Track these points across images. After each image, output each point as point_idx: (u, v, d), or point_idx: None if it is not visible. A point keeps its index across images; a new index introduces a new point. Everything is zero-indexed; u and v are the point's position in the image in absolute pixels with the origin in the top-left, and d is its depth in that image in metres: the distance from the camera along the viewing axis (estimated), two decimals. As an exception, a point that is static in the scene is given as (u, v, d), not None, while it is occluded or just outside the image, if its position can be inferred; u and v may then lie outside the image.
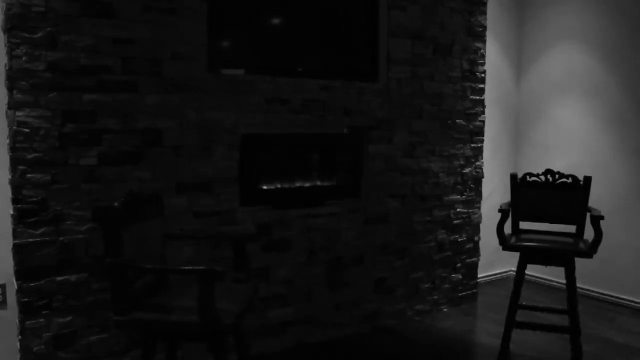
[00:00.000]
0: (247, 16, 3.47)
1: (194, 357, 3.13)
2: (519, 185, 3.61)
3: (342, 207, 3.81)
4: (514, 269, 3.62)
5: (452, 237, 4.42)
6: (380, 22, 3.94)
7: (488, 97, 4.64)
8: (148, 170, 3.06)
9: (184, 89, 3.14)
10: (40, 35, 2.72)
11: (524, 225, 3.64)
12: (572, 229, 3.55)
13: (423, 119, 4.15)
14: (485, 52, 4.53)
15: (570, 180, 3.51)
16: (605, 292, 4.68)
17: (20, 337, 2.77)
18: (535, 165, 4.92)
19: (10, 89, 2.68)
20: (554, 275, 4.86)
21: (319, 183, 3.85)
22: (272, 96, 3.46)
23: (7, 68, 2.69)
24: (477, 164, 4.54)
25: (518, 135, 5.34)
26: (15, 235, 2.72)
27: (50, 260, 2.80)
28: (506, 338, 3.45)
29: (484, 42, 4.50)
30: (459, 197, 4.43)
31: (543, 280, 5.09)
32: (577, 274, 3.38)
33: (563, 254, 3.32)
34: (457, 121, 4.36)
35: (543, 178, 3.58)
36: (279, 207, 3.56)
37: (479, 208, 4.59)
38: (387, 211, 4.01)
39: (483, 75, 4.52)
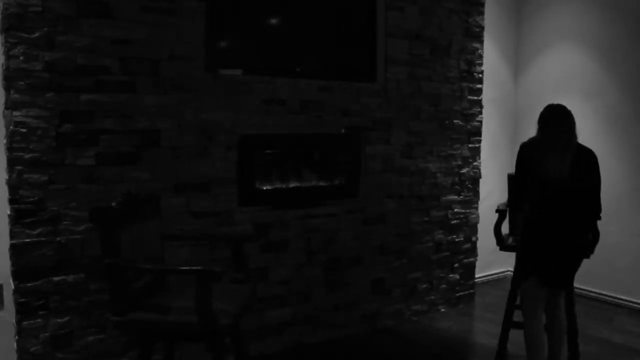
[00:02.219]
0: (245, 16, 3.47)
1: (191, 358, 3.13)
2: (517, 185, 3.60)
3: (340, 207, 3.81)
4: (511, 269, 3.63)
5: (450, 237, 4.43)
6: (378, 22, 3.94)
7: (485, 97, 4.65)
8: (146, 170, 3.05)
9: (182, 89, 3.14)
10: (37, 35, 2.71)
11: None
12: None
13: (420, 119, 4.15)
14: (483, 52, 4.53)
15: (567, 181, 3.50)
16: (602, 292, 4.69)
17: (17, 337, 2.77)
18: (533, 165, 4.92)
19: (7, 89, 2.68)
20: (551, 275, 4.86)
21: (317, 183, 3.85)
22: (270, 96, 3.46)
23: (4, 68, 2.68)
24: (475, 164, 4.54)
25: (515, 135, 5.35)
26: (12, 235, 2.71)
27: (47, 260, 2.79)
28: (503, 338, 3.45)
29: (482, 42, 4.51)
30: (456, 197, 4.43)
31: (540, 280, 5.09)
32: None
33: (560, 254, 3.32)
34: (455, 121, 4.37)
35: (540, 178, 3.57)
36: (277, 208, 3.56)
37: (476, 208, 4.60)
38: (384, 211, 4.01)
39: (480, 75, 4.52)
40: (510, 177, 3.61)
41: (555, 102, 3.25)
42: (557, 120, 3.07)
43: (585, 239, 3.03)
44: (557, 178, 2.92)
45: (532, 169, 3.00)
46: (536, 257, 2.99)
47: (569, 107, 3.17)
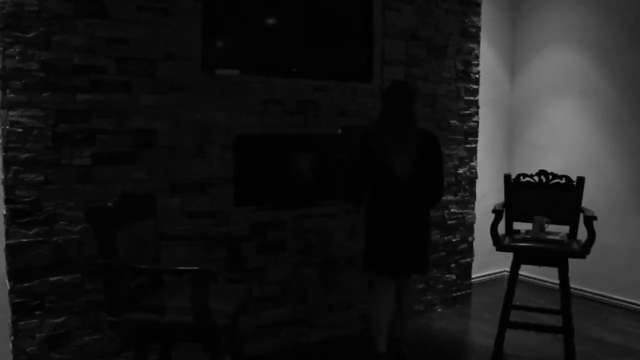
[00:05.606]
0: (241, 16, 3.47)
1: (187, 358, 3.13)
2: (513, 185, 3.62)
3: (336, 207, 3.81)
4: (508, 269, 3.63)
5: (446, 238, 4.43)
6: (374, 22, 3.95)
7: (482, 98, 4.65)
8: (142, 170, 3.05)
9: (178, 89, 3.14)
10: (33, 34, 2.71)
11: (517, 226, 3.65)
12: (565, 229, 3.56)
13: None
14: (479, 53, 4.54)
15: (563, 181, 3.52)
16: (598, 292, 4.70)
17: (12, 337, 2.76)
18: (529, 165, 4.94)
19: (3, 89, 2.67)
20: (548, 275, 4.88)
21: (313, 183, 3.84)
22: (267, 96, 3.45)
23: None
24: (471, 164, 4.55)
25: (512, 135, 5.36)
26: (8, 235, 2.70)
27: (43, 260, 2.79)
28: (499, 338, 3.46)
29: (478, 42, 4.51)
30: (452, 197, 4.44)
31: (536, 281, 5.11)
32: (571, 274, 3.40)
33: (556, 255, 3.33)
34: (451, 122, 4.37)
35: (536, 178, 3.59)
36: (273, 208, 3.56)
37: (473, 208, 4.60)
38: (381, 211, 4.01)
39: (477, 75, 4.53)
40: (507, 178, 3.62)
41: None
42: (400, 105, 3.06)
43: (426, 226, 3.16)
44: (402, 174, 2.99)
45: (377, 161, 3.04)
46: (381, 254, 3.10)
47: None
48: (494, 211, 3.50)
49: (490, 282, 5.18)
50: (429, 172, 3.05)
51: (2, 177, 2.72)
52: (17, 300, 2.74)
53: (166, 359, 2.74)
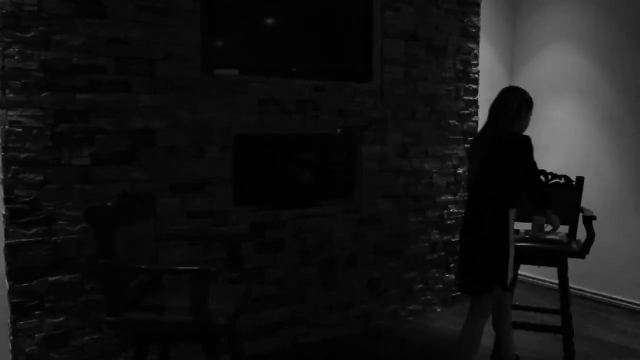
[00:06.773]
0: (241, 16, 3.47)
1: (187, 358, 3.12)
2: (512, 185, 3.61)
3: (335, 207, 3.81)
4: (507, 269, 3.62)
5: (445, 238, 4.43)
6: (374, 22, 3.95)
7: (481, 98, 4.64)
8: (141, 170, 3.05)
9: (177, 89, 3.14)
10: (32, 34, 2.71)
11: (517, 226, 3.63)
12: (565, 229, 3.55)
13: (416, 120, 4.15)
14: (479, 53, 4.54)
15: (563, 181, 3.52)
16: (597, 292, 4.70)
17: (12, 337, 2.76)
18: (529, 165, 4.93)
19: (2, 88, 2.67)
20: (547, 275, 4.88)
21: (312, 184, 3.85)
22: (266, 96, 3.45)
23: (-1, 67, 2.68)
24: (471, 164, 4.55)
25: (511, 135, 5.35)
26: (8, 235, 2.70)
27: (42, 260, 2.78)
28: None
29: (478, 42, 4.52)
30: (452, 197, 4.44)
31: (536, 281, 5.10)
32: (570, 274, 3.39)
33: (556, 255, 3.33)
34: (451, 122, 4.37)
35: (536, 178, 3.58)
36: (272, 208, 3.56)
37: (473, 208, 4.59)
38: (380, 212, 4.01)
39: (476, 75, 4.53)
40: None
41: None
42: (490, 111, 2.96)
43: (484, 238, 2.85)
44: (471, 181, 2.91)
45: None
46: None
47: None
48: (493, 211, 3.49)
49: (489, 282, 5.17)
50: (510, 177, 2.80)
51: (2, 177, 2.71)
52: (16, 300, 2.74)
53: (166, 359, 2.74)
